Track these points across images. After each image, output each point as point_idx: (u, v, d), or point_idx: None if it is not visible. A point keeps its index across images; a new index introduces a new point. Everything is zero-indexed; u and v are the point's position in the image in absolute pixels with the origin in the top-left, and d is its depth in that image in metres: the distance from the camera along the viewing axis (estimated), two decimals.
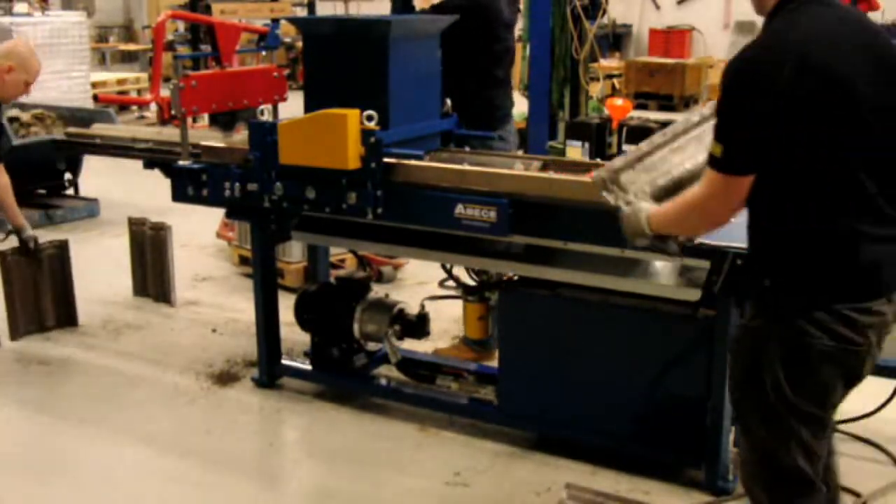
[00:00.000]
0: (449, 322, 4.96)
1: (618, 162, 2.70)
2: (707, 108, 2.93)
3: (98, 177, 8.00)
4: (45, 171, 7.10)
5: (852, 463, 3.66)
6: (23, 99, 9.12)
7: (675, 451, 3.51)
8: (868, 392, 3.73)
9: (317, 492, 3.59)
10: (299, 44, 11.46)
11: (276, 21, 10.65)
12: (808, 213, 2.25)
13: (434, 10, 4.50)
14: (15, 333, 4.93)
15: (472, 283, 4.29)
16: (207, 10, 10.62)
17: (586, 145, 6.13)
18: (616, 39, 15.13)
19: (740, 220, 2.40)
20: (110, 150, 4.82)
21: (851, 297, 2.26)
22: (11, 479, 3.62)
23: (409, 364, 4.19)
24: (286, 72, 4.97)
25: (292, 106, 4.52)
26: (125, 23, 20.65)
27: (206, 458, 3.77)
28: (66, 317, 5.14)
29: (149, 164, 4.50)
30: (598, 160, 4.85)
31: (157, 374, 4.56)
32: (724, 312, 3.23)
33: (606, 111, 6.50)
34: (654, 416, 3.48)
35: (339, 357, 4.23)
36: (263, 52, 11.03)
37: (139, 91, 13.40)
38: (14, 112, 7.55)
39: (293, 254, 5.63)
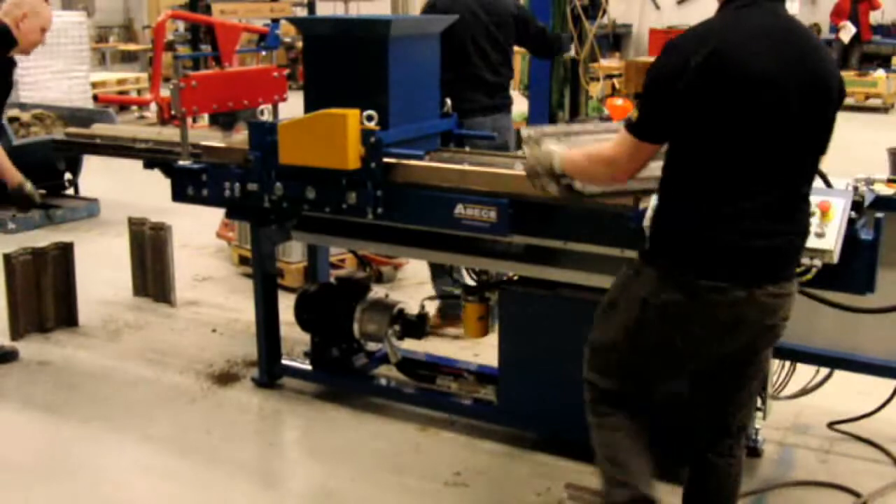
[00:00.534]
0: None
1: (549, 128, 2.96)
2: None
3: (98, 177, 8.01)
4: (45, 171, 7.10)
5: (852, 463, 3.66)
6: (23, 99, 9.12)
7: (675, 451, 3.50)
8: (868, 392, 3.76)
9: (316, 492, 3.59)
10: (299, 44, 11.47)
11: (276, 21, 10.62)
12: (696, 191, 2.46)
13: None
14: (15, 334, 4.94)
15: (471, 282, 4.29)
16: (207, 10, 10.64)
17: None
18: (616, 39, 15.16)
19: None
20: (110, 150, 4.82)
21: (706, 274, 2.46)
22: (11, 479, 3.62)
23: (409, 364, 4.19)
24: (286, 72, 4.96)
25: (292, 106, 4.51)
26: (125, 23, 20.69)
27: (206, 457, 3.77)
28: (67, 317, 5.15)
29: (149, 164, 4.49)
30: None
31: (157, 374, 4.56)
32: None
33: (606, 111, 6.51)
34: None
35: (339, 357, 4.24)
36: (263, 53, 10.99)
37: (139, 91, 13.43)
38: (14, 112, 7.57)
39: (293, 254, 5.64)
